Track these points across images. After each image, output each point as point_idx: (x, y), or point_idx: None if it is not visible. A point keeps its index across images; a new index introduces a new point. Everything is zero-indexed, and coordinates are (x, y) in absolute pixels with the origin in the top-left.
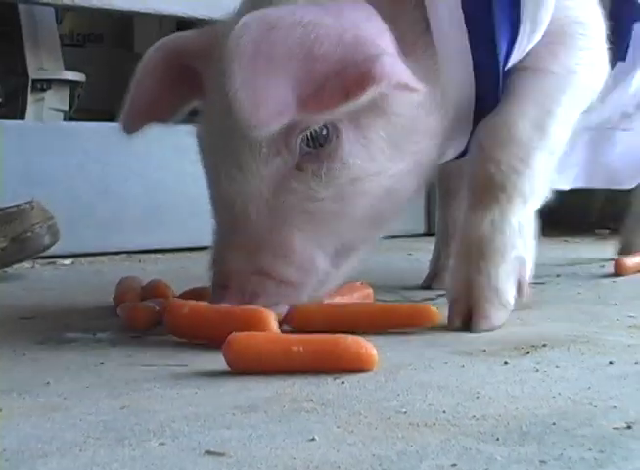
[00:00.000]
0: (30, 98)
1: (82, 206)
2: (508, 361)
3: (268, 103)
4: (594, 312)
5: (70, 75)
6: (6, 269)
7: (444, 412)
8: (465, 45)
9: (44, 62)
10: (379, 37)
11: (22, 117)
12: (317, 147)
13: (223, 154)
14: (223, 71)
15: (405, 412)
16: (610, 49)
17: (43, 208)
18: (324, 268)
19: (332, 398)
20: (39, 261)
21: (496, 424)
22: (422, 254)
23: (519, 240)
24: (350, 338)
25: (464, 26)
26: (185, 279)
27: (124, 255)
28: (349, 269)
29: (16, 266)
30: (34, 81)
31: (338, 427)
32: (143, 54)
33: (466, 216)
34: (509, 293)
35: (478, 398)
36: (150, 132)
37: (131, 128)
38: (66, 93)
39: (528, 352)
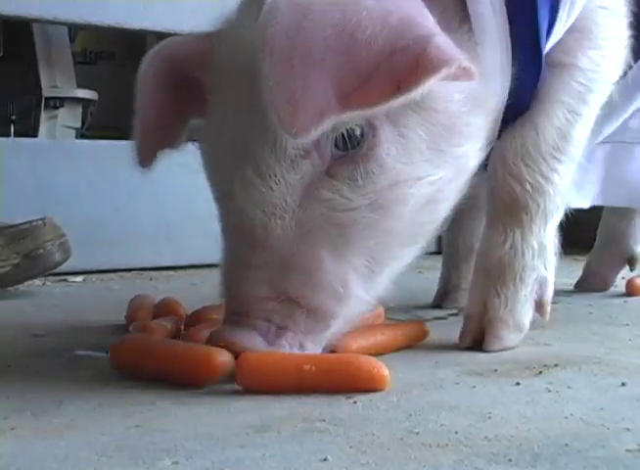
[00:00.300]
0: (43, 115)
1: (93, 223)
2: (520, 382)
3: (308, 105)
4: (606, 333)
5: (83, 93)
6: (17, 286)
7: (456, 433)
8: (505, 33)
9: (57, 80)
10: (425, 19)
11: (34, 135)
12: (351, 148)
13: (238, 159)
14: (230, 72)
15: (417, 433)
16: (634, 37)
17: (55, 225)
18: (357, 294)
19: (344, 417)
20: (50, 279)
21: (509, 445)
22: (433, 272)
23: (539, 261)
24: (362, 357)
25: (504, 9)
26: (197, 297)
27: (135, 272)
28: (379, 294)
29: (27, 283)
30: (47, 99)
31: (350, 447)
32: None
33: (485, 234)
34: (525, 316)
35: (490, 418)
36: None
37: (147, 162)
38: (78, 111)
39: (540, 373)
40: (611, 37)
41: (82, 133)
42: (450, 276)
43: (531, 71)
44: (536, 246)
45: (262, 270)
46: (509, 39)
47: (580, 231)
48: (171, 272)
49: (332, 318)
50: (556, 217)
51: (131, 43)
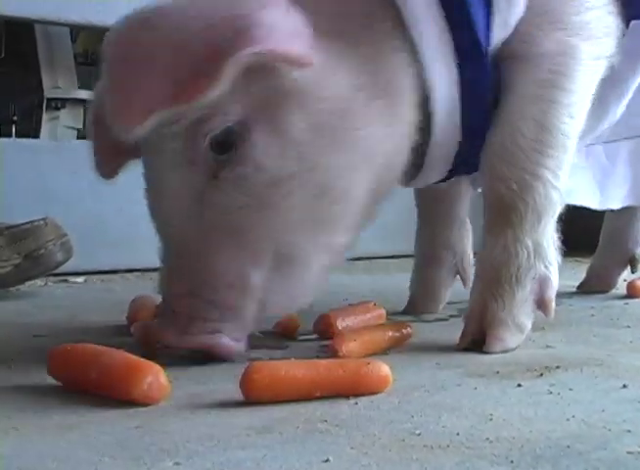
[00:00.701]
0: (45, 116)
1: (95, 224)
2: (521, 383)
3: (135, 103)
4: (607, 335)
5: (85, 94)
6: (19, 286)
7: (458, 434)
8: (442, 26)
9: (59, 81)
10: (258, 12)
11: (36, 136)
12: (229, 151)
13: (151, 171)
14: None
15: (419, 434)
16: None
17: (56, 225)
18: (262, 284)
19: (346, 419)
20: (52, 279)
21: (510, 447)
22: None
23: (536, 259)
24: (364, 360)
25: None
26: None
27: (137, 273)
28: (307, 282)
29: (28, 284)
30: (49, 100)
31: (352, 448)
32: None
33: (483, 238)
34: (524, 316)
35: (491, 420)
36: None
37: (110, 174)
38: (80, 112)
39: (542, 375)
40: (582, 11)
41: (84, 134)
42: (414, 283)
43: (475, 69)
44: (531, 245)
45: (178, 271)
46: (445, 24)
47: (582, 233)
48: None
49: (237, 308)
50: (551, 213)
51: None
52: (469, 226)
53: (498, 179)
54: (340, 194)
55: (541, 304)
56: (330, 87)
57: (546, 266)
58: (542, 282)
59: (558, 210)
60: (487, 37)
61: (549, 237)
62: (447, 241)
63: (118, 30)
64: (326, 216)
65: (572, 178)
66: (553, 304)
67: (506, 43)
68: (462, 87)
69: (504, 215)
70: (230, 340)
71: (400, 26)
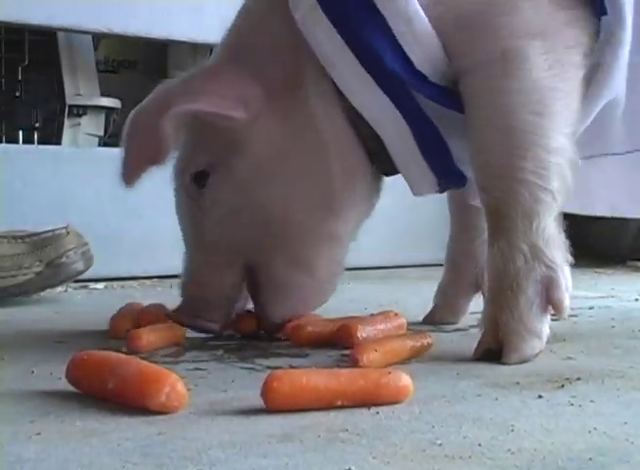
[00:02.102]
0: (67, 123)
1: (115, 230)
2: (542, 395)
3: (130, 165)
4: (628, 346)
5: (106, 101)
6: (39, 293)
7: (480, 445)
8: (354, 63)
9: (81, 88)
10: (203, 82)
11: (58, 142)
12: (202, 187)
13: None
14: None
15: (440, 444)
16: None
17: (78, 233)
18: (231, 283)
19: (367, 428)
20: (72, 285)
21: (532, 458)
22: None
23: (535, 262)
24: (385, 369)
25: (342, 42)
26: None
27: (156, 279)
28: (289, 293)
29: (49, 290)
30: (71, 107)
31: (373, 458)
32: None
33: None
34: (537, 321)
35: (512, 431)
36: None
37: (133, 182)
38: (101, 119)
39: (563, 386)
40: (510, 11)
41: (105, 141)
42: (437, 292)
43: (404, 93)
44: (527, 248)
45: (186, 273)
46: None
47: (601, 244)
48: None
49: (211, 302)
50: (545, 214)
51: (153, 52)
52: None
53: (483, 190)
54: (281, 221)
55: (552, 305)
56: (266, 135)
57: (548, 267)
58: (547, 283)
59: (553, 209)
60: (403, 62)
61: (547, 238)
62: (470, 252)
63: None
64: (279, 237)
65: None
66: (565, 303)
67: (451, 59)
68: (404, 112)
69: (496, 224)
70: (205, 322)
71: (323, 72)
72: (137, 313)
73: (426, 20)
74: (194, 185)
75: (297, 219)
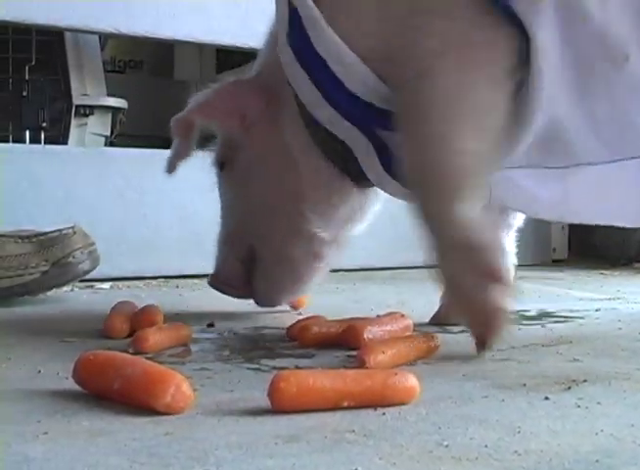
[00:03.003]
0: (73, 123)
1: (121, 230)
2: (549, 396)
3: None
4: (635, 348)
5: (113, 101)
6: (45, 293)
7: (486, 447)
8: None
9: (87, 87)
10: (213, 95)
11: (64, 142)
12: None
13: None
14: None
15: (447, 445)
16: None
17: (85, 233)
18: (240, 258)
19: (373, 429)
20: (78, 285)
21: (539, 460)
22: None
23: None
24: (391, 370)
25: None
26: (222, 305)
27: (162, 279)
28: (265, 275)
29: (55, 289)
30: (77, 107)
31: (380, 459)
32: (182, 81)
33: None
34: (472, 288)
35: (519, 432)
36: (187, 160)
37: (170, 171)
38: (108, 119)
39: (569, 388)
40: (409, 33)
41: (111, 141)
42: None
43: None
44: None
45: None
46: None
47: (608, 246)
48: (196, 281)
49: (235, 275)
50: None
51: (159, 52)
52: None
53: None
54: (264, 215)
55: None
56: (255, 142)
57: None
58: (472, 257)
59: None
60: (341, 92)
61: (456, 225)
62: None
63: None
64: (265, 228)
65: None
66: (500, 271)
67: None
68: (368, 136)
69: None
70: (223, 285)
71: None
72: (134, 314)
73: (353, 55)
74: (218, 169)
75: (275, 216)
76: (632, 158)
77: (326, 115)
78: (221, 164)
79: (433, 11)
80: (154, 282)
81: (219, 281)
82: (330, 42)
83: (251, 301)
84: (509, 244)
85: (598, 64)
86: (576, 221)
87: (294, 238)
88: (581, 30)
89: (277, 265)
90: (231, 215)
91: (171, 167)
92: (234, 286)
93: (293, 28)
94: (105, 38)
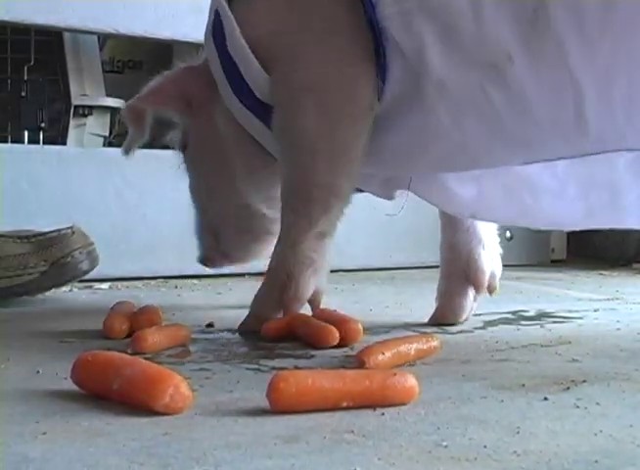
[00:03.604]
0: (72, 123)
1: (120, 231)
2: (548, 397)
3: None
4: (634, 349)
5: (112, 102)
6: (44, 293)
7: (485, 447)
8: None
9: (86, 88)
10: (160, 81)
11: (63, 143)
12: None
13: None
14: None
15: (446, 446)
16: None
17: (84, 233)
18: (211, 243)
19: (372, 429)
20: (77, 285)
21: (538, 460)
22: None
23: (280, 269)
24: (390, 371)
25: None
26: (221, 306)
27: (160, 280)
28: (237, 248)
29: (54, 290)
30: (76, 107)
31: (379, 459)
32: None
33: None
34: (265, 308)
35: (518, 433)
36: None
37: (126, 154)
38: (106, 119)
39: (568, 388)
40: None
41: (110, 141)
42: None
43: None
44: (281, 256)
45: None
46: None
47: (607, 247)
48: (196, 281)
49: (208, 246)
50: (300, 233)
51: (159, 53)
52: (479, 229)
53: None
54: (210, 190)
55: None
56: (200, 126)
57: (287, 274)
58: (282, 287)
59: (308, 230)
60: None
61: (297, 251)
62: (455, 246)
63: None
64: (220, 205)
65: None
66: (290, 305)
67: None
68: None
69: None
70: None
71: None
72: (133, 314)
73: (253, 59)
74: (181, 151)
75: (223, 195)
76: (546, 160)
77: (236, 108)
78: (183, 147)
79: (311, 35)
80: (153, 282)
81: (204, 259)
82: (237, 44)
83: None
84: (488, 259)
85: (485, 70)
86: (489, 219)
87: (242, 215)
88: (460, 40)
89: (236, 239)
90: (194, 194)
91: (126, 152)
92: (215, 259)
93: (215, 25)
94: (104, 39)
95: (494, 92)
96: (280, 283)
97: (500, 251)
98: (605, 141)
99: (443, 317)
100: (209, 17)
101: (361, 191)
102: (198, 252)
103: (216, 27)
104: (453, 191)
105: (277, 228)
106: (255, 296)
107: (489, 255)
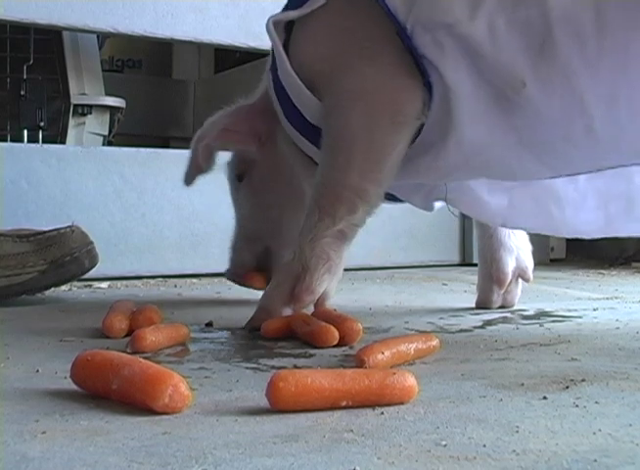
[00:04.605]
0: (71, 122)
1: (119, 230)
2: (547, 396)
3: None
4: (633, 348)
5: (111, 101)
6: (44, 292)
7: (484, 446)
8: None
9: (85, 87)
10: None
11: (62, 142)
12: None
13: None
14: None
15: (445, 445)
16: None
17: (83, 232)
18: (252, 255)
19: (371, 428)
20: (76, 284)
21: (537, 459)
22: (456, 284)
23: (298, 262)
24: (390, 370)
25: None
26: (220, 305)
27: (160, 279)
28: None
29: (53, 288)
30: (75, 106)
31: (378, 458)
32: (181, 81)
33: None
34: (274, 302)
35: (517, 432)
36: (185, 160)
37: (188, 184)
38: (106, 118)
39: (567, 387)
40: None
41: (109, 140)
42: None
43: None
44: (299, 250)
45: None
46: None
47: (606, 246)
48: (195, 280)
49: (242, 266)
50: (321, 229)
51: (158, 52)
52: (502, 235)
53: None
54: (276, 218)
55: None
56: (267, 158)
57: (303, 268)
58: (297, 278)
59: (330, 228)
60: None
61: (314, 247)
62: (485, 247)
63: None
64: (277, 229)
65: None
66: (302, 296)
67: None
68: None
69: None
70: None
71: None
72: (132, 313)
73: (303, 87)
74: (236, 181)
75: (288, 215)
76: (568, 175)
77: (292, 133)
78: (239, 177)
79: (358, 55)
80: (152, 281)
81: (233, 273)
82: (287, 73)
83: (252, 303)
84: (510, 260)
85: (504, 92)
86: (518, 227)
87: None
88: (483, 63)
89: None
90: (248, 220)
91: (189, 183)
92: (244, 276)
93: (274, 59)
94: (103, 37)
95: (510, 110)
96: (294, 275)
97: (531, 248)
98: (618, 155)
99: (485, 302)
100: (271, 51)
101: (402, 201)
102: (229, 266)
103: (274, 62)
104: (485, 201)
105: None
106: (266, 291)
107: (514, 255)
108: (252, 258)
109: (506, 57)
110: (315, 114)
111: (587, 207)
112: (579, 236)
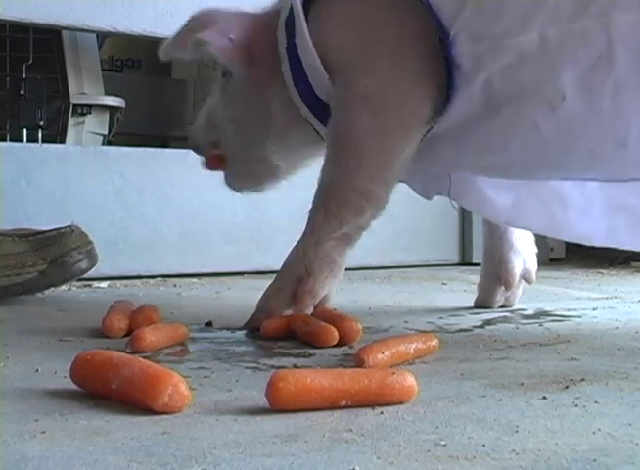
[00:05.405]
0: (71, 122)
1: (119, 229)
2: (546, 396)
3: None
4: (632, 347)
5: (111, 100)
6: (43, 292)
7: (484, 446)
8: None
9: (85, 86)
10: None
11: (62, 141)
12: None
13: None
14: None
15: (445, 445)
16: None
17: (83, 232)
18: (205, 138)
19: (371, 428)
20: (76, 284)
21: (536, 459)
22: (456, 283)
23: (301, 264)
24: (389, 369)
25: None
26: (220, 304)
27: (159, 279)
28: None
29: (53, 288)
30: (75, 105)
31: (378, 458)
32: (180, 80)
33: None
34: (276, 303)
35: (517, 432)
36: (185, 160)
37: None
38: (105, 117)
39: (567, 387)
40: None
41: (109, 140)
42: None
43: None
44: (302, 252)
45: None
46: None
47: (603, 247)
48: (195, 280)
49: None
50: (325, 232)
51: (157, 51)
52: (511, 235)
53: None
54: (241, 131)
55: (295, 298)
56: (245, 84)
57: (307, 271)
58: (299, 280)
59: (335, 231)
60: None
61: (319, 250)
62: (491, 247)
63: None
64: (238, 141)
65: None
66: (304, 300)
67: None
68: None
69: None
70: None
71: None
72: (132, 313)
73: (320, 65)
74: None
75: (245, 137)
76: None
77: (296, 99)
78: (223, 73)
79: (383, 56)
80: (152, 281)
81: (196, 147)
82: (306, 45)
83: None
84: (518, 261)
85: (538, 104)
86: (522, 226)
87: (256, 158)
88: (522, 78)
89: (241, 167)
90: (215, 110)
91: (166, 56)
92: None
93: (288, 18)
94: (103, 37)
95: (543, 123)
96: (297, 277)
97: (536, 250)
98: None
99: (486, 301)
100: (283, 4)
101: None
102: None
103: (289, 20)
104: (490, 197)
105: (280, 175)
106: (265, 293)
107: (521, 257)
108: (208, 137)
109: (552, 74)
110: (325, 92)
111: (591, 214)
112: (579, 241)
